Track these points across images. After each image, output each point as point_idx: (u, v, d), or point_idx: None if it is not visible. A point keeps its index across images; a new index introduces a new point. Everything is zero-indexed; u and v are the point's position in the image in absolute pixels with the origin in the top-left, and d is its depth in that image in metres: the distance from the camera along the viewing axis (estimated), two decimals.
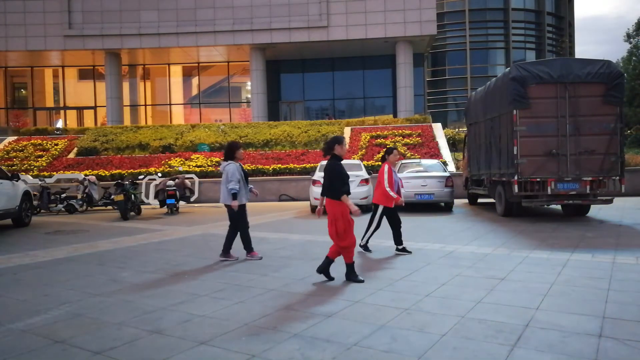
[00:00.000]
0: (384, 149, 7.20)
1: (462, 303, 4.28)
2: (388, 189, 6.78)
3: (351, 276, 5.22)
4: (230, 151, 6.73)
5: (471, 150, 13.26)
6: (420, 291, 4.70)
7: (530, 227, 9.07)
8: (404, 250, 6.84)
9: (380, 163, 17.92)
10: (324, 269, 5.27)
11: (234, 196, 6.47)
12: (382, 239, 7.86)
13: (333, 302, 4.42)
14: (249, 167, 18.14)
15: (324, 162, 14.66)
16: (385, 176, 6.81)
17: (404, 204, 7.15)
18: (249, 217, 6.97)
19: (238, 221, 6.69)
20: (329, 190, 5.20)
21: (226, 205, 6.68)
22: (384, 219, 7.01)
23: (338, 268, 5.42)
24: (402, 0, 25.97)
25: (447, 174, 12.77)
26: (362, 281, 5.16)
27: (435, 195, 12.30)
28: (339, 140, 5.32)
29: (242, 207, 6.70)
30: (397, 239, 6.89)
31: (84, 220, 12.49)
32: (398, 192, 7.07)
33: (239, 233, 6.74)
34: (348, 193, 5.15)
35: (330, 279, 5.26)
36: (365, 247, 7.05)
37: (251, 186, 6.98)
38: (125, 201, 12.44)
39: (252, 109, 27.70)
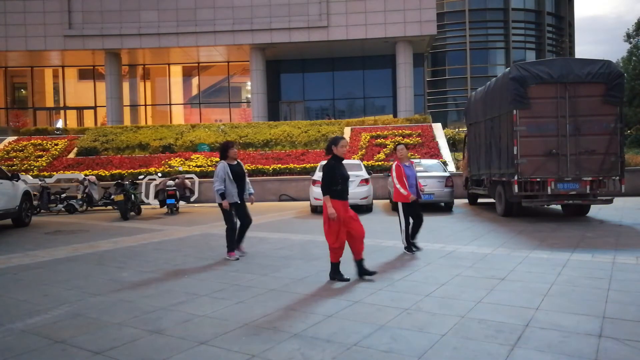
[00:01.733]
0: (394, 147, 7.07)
1: (462, 303, 4.28)
2: (398, 186, 6.74)
3: (335, 274, 5.27)
4: (223, 150, 6.78)
5: (471, 150, 13.26)
6: (420, 291, 4.70)
7: (530, 227, 9.07)
8: (412, 248, 6.81)
9: (381, 163, 18.02)
10: (360, 271, 5.30)
11: (222, 196, 6.52)
12: (382, 239, 7.87)
13: (333, 302, 4.42)
14: (249, 167, 18.14)
15: (324, 162, 14.69)
16: (394, 173, 6.80)
17: (411, 200, 6.84)
18: (258, 214, 7.02)
19: (226, 219, 6.70)
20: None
21: (218, 204, 6.71)
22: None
23: (348, 267, 5.41)
24: (402, 0, 25.98)
25: (447, 174, 12.77)
26: (347, 280, 5.21)
27: (435, 195, 12.30)
28: (334, 141, 5.38)
29: (231, 207, 6.67)
30: (413, 234, 6.84)
31: (84, 220, 12.49)
32: (415, 188, 6.89)
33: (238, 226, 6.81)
34: (340, 195, 5.19)
35: (371, 273, 5.30)
36: (408, 249, 6.79)
37: (251, 192, 6.96)
38: (125, 201, 12.44)
39: (252, 109, 27.70)
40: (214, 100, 31.97)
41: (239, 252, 6.82)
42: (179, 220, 12.01)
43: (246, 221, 6.91)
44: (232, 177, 6.61)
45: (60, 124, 28.57)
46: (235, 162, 6.81)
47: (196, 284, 5.24)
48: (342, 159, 5.38)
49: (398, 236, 7.97)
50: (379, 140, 20.44)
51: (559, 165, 9.43)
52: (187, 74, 32.27)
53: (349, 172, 14.35)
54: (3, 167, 13.87)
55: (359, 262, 5.33)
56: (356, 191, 12.06)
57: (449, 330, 3.60)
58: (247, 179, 7.00)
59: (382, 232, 8.69)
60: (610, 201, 10.10)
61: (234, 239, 6.73)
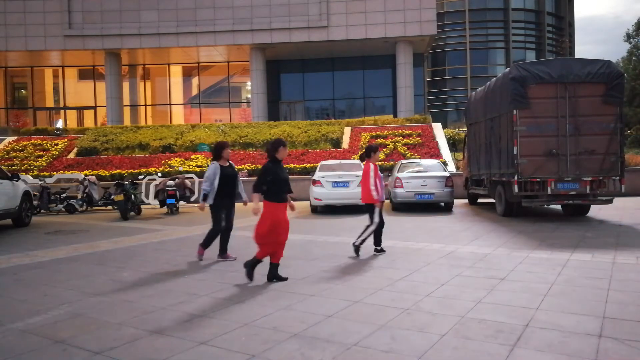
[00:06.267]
0: (366, 147, 7.02)
1: (462, 303, 4.27)
2: (372, 189, 6.68)
3: (251, 269, 5.34)
4: (217, 151, 6.68)
5: (471, 150, 13.25)
6: (420, 291, 4.70)
7: (530, 227, 9.07)
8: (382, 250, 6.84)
9: (381, 163, 18.00)
10: (271, 274, 5.32)
11: (204, 197, 6.49)
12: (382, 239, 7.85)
13: (333, 302, 4.42)
14: (249, 167, 18.15)
15: (324, 162, 14.63)
16: (372, 174, 6.70)
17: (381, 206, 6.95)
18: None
19: (214, 220, 6.66)
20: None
21: (210, 205, 6.66)
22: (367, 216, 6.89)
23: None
24: (402, 0, 25.99)
25: (447, 174, 12.77)
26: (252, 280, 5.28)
27: (435, 195, 12.30)
28: (274, 147, 5.37)
29: (215, 207, 6.61)
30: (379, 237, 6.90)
31: (84, 220, 12.49)
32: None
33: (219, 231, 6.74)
34: (274, 196, 5.21)
35: (283, 279, 5.32)
36: (357, 249, 6.70)
37: (243, 198, 6.83)
38: (125, 201, 12.43)
39: (252, 109, 27.71)
40: (214, 100, 31.98)
41: (226, 258, 6.63)
42: (179, 220, 12.00)
43: (228, 226, 6.75)
44: (222, 180, 6.50)
45: (60, 124, 28.59)
46: (227, 164, 6.70)
47: (196, 284, 5.24)
48: (280, 162, 5.42)
49: (397, 236, 7.97)
50: (379, 140, 20.44)
51: (559, 165, 9.42)
52: (187, 74, 32.28)
53: (349, 172, 14.28)
54: (3, 167, 13.87)
55: (274, 265, 5.34)
56: (356, 191, 12.04)
57: (449, 330, 3.60)
58: (241, 182, 6.91)
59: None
60: (610, 201, 10.10)
61: (213, 240, 6.68)
